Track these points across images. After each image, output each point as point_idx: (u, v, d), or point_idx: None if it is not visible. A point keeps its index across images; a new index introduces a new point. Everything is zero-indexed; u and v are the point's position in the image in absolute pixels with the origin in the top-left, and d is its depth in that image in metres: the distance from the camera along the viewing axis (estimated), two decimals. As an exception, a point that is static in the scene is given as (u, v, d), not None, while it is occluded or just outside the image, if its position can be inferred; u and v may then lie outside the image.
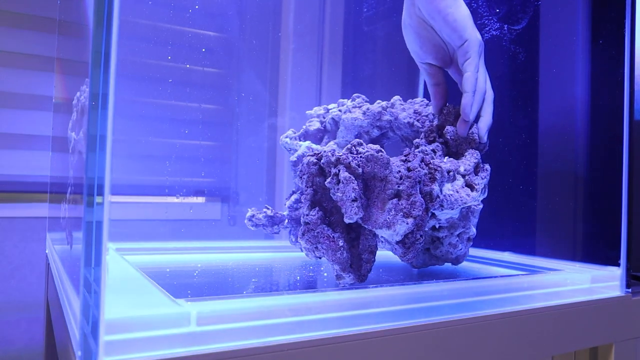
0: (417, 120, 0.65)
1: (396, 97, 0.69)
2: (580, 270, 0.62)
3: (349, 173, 0.48)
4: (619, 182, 0.59)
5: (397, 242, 0.50)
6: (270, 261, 0.74)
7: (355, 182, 0.48)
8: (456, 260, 0.63)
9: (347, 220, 0.48)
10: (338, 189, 0.47)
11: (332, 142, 0.71)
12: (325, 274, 0.64)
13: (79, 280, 0.36)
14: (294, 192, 0.74)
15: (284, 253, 0.80)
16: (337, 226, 0.50)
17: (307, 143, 0.74)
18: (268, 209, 0.71)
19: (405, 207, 0.48)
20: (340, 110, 0.71)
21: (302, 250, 0.52)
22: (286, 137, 0.76)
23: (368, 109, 0.67)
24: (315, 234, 0.49)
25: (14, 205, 0.99)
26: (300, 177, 0.51)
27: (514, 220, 0.83)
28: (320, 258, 0.51)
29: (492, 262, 0.74)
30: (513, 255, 0.76)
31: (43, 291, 1.00)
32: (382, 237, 0.51)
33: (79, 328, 0.34)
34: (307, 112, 0.78)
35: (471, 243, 0.63)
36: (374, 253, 0.51)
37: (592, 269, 0.63)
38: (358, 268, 0.50)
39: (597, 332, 0.55)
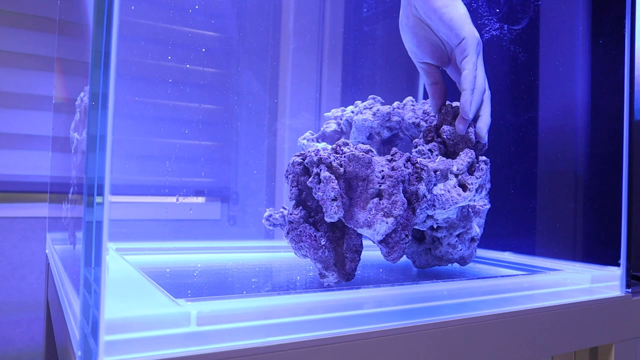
0: (425, 121, 0.65)
1: (409, 98, 0.69)
2: (580, 270, 0.62)
3: (330, 173, 0.48)
4: (619, 182, 0.59)
5: (380, 242, 0.50)
6: (270, 261, 0.74)
7: (336, 181, 0.48)
8: (462, 261, 0.63)
9: (327, 219, 0.48)
10: (319, 188, 0.48)
11: None
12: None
13: (79, 280, 0.36)
14: None
15: (284, 253, 0.80)
16: (322, 225, 0.50)
17: (323, 145, 0.74)
18: (285, 209, 0.72)
19: (386, 207, 0.48)
20: (353, 112, 0.71)
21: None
22: (303, 138, 0.76)
23: (378, 110, 0.68)
24: (298, 232, 0.49)
25: (14, 205, 0.99)
26: (287, 177, 0.52)
27: (514, 220, 0.83)
28: (306, 257, 0.51)
29: (492, 262, 0.74)
30: (513, 255, 0.76)
31: (43, 291, 1.00)
32: (365, 236, 0.52)
33: (79, 328, 0.34)
34: (325, 114, 0.79)
35: (476, 243, 0.62)
36: (359, 252, 0.51)
37: (592, 269, 0.63)
38: (342, 266, 0.50)
39: (597, 332, 0.55)
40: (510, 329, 0.47)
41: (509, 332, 0.47)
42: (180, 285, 0.55)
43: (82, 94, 0.50)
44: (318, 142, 0.75)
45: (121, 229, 0.83)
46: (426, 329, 0.41)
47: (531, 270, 0.67)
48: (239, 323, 0.35)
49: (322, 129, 0.77)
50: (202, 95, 1.06)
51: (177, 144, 1.03)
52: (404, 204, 0.48)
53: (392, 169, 0.49)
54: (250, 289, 0.54)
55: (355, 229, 0.49)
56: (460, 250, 0.61)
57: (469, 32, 0.57)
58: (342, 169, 0.49)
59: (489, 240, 0.82)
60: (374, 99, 0.74)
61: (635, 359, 0.60)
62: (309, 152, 0.50)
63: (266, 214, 0.72)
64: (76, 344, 0.33)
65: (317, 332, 0.37)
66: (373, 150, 0.50)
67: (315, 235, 0.49)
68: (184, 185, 1.03)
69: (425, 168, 0.51)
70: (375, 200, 0.48)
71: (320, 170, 0.48)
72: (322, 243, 0.49)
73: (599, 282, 0.58)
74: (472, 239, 0.62)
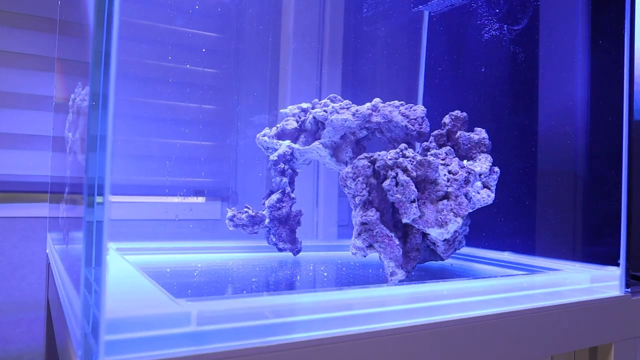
0: (409, 123, 0.66)
1: (377, 99, 0.70)
2: (579, 270, 0.62)
3: (407, 176, 0.52)
4: (619, 182, 0.59)
5: (443, 240, 0.54)
6: (270, 261, 0.74)
7: (414, 184, 0.52)
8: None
9: (405, 220, 0.52)
10: (397, 190, 0.51)
11: (317, 142, 0.72)
12: (326, 273, 0.64)
13: (80, 280, 0.36)
14: (272, 192, 0.75)
15: (284, 253, 0.80)
16: (386, 225, 0.53)
17: (288, 142, 0.74)
18: (249, 208, 0.72)
19: (454, 208, 0.52)
20: (325, 111, 0.71)
21: (351, 250, 0.55)
22: (264, 135, 0.76)
23: (357, 110, 0.69)
24: (374, 233, 0.52)
25: (15, 205, 0.99)
26: (353, 179, 0.53)
27: (514, 220, 0.83)
28: (365, 256, 0.54)
29: (492, 262, 0.74)
30: (513, 255, 0.76)
31: (43, 291, 1.00)
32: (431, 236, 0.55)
33: (79, 328, 0.34)
34: (281, 110, 0.79)
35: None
36: (419, 251, 0.55)
37: (591, 268, 0.63)
38: (406, 265, 0.54)
39: (596, 332, 0.55)
40: (510, 329, 0.47)
41: (508, 332, 0.47)
42: (181, 285, 0.55)
43: (72, 95, 0.50)
44: (276, 139, 0.75)
45: (121, 229, 0.83)
46: (426, 329, 0.41)
47: (531, 270, 0.67)
48: (239, 323, 0.35)
49: (279, 125, 0.77)
50: (202, 96, 1.06)
51: (177, 144, 1.03)
52: (467, 205, 0.53)
53: (450, 172, 0.54)
54: (251, 289, 0.54)
55: (424, 228, 0.52)
56: (463, 245, 0.62)
57: None
58: (414, 173, 0.52)
59: (489, 240, 0.82)
60: (335, 97, 0.75)
61: (635, 359, 0.60)
62: (379, 155, 0.54)
63: (229, 214, 0.74)
64: (77, 343, 0.33)
65: (316, 332, 0.37)
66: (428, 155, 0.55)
67: (391, 236, 0.52)
68: (184, 185, 1.03)
69: (472, 172, 0.56)
70: (444, 202, 0.52)
71: (397, 173, 0.52)
72: (397, 243, 0.52)
73: (599, 281, 0.58)
74: (465, 236, 0.64)
